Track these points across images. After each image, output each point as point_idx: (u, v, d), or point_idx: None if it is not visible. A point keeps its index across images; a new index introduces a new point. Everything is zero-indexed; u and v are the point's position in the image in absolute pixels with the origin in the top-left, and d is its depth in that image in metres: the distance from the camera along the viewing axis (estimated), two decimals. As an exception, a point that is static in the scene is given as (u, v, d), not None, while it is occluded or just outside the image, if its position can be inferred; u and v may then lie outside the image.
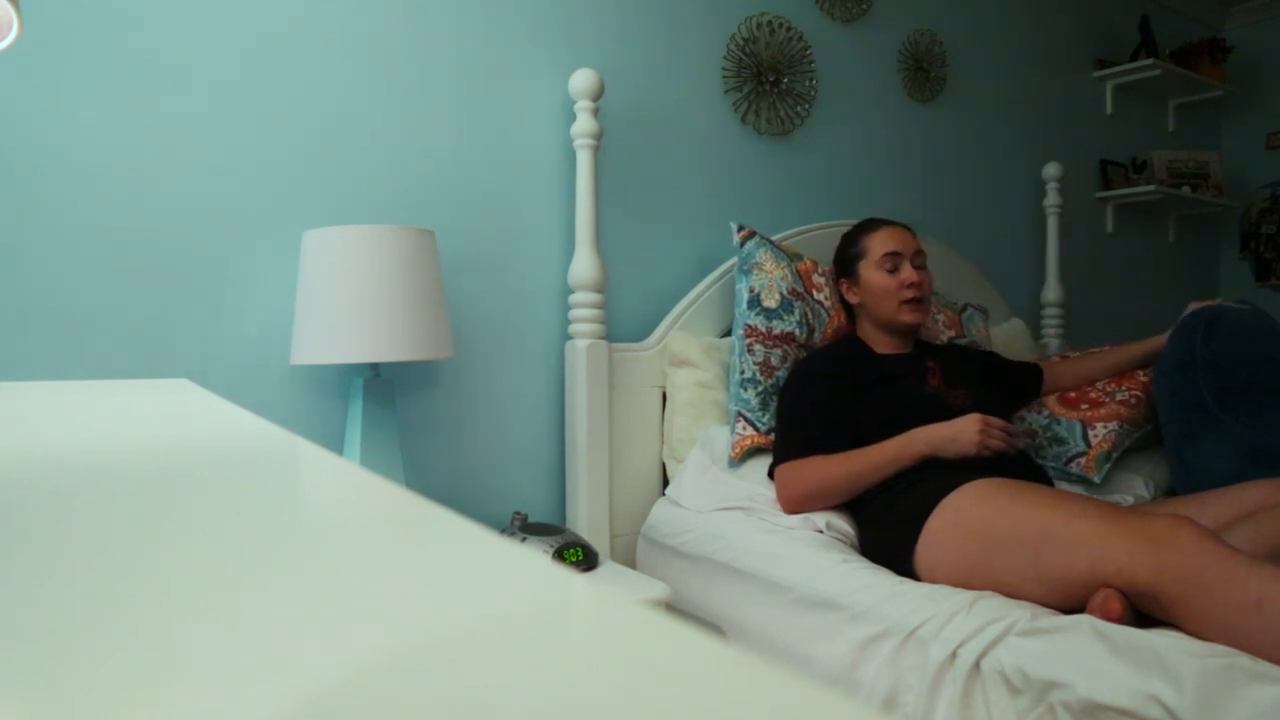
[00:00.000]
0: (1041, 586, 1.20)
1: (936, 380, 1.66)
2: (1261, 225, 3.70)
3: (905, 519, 1.39)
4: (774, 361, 1.75)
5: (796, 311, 1.80)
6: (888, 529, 1.43)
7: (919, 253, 1.75)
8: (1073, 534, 1.19)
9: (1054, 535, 1.21)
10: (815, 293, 1.86)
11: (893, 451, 1.47)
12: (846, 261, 1.81)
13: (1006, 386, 1.90)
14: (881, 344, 1.76)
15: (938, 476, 1.42)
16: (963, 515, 1.32)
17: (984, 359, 1.89)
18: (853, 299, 1.80)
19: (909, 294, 1.70)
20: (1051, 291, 2.71)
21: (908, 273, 1.71)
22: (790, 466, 1.54)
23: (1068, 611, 1.18)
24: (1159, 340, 1.95)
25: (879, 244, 1.74)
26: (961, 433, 1.45)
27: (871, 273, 1.74)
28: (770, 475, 1.62)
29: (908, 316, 1.70)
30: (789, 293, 1.80)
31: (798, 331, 1.79)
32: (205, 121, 1.42)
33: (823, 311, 1.85)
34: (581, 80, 1.68)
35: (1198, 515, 1.36)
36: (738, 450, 1.68)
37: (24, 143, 1.27)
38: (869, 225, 1.79)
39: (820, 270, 1.90)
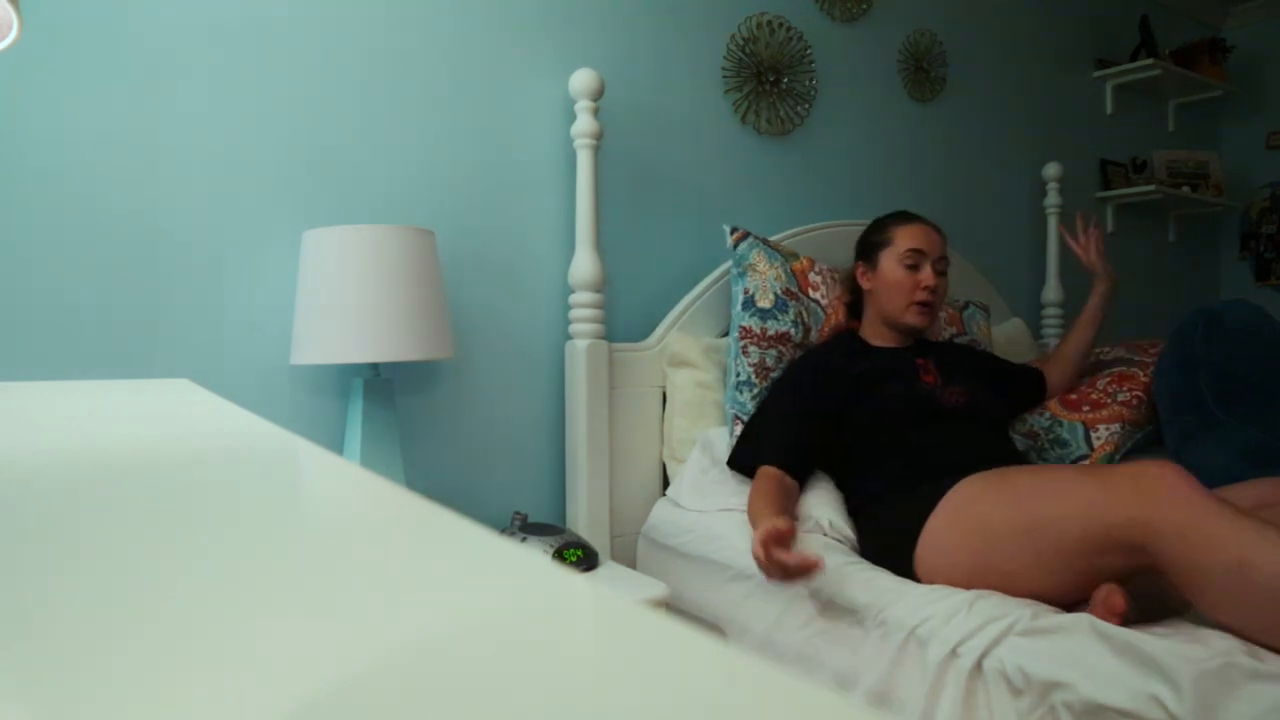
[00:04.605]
0: (1040, 570, 1.20)
1: (931, 377, 1.65)
2: (1261, 225, 3.70)
3: (905, 521, 1.39)
4: (769, 363, 1.75)
5: (791, 311, 1.80)
6: (887, 531, 1.43)
7: (943, 258, 1.72)
8: (1061, 507, 1.19)
9: (1044, 514, 1.21)
10: (811, 291, 1.86)
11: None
12: (870, 246, 1.78)
13: (1007, 389, 1.89)
14: (878, 336, 1.75)
15: (933, 479, 1.41)
16: (959, 514, 1.32)
17: (986, 359, 1.88)
18: (865, 284, 1.78)
19: (922, 296, 1.68)
20: (1051, 291, 2.71)
21: (926, 275, 1.68)
22: (757, 472, 1.54)
23: (1072, 603, 1.18)
24: (1102, 286, 2.01)
25: (906, 238, 1.71)
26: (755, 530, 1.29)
27: (891, 264, 1.71)
28: (729, 463, 1.64)
29: (913, 319, 1.69)
30: (783, 293, 1.80)
31: (793, 331, 1.79)
32: (205, 121, 1.42)
33: (818, 310, 1.85)
34: (582, 80, 1.68)
35: None
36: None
37: (24, 142, 1.27)
38: (902, 217, 1.76)
39: (816, 269, 1.90)
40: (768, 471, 1.52)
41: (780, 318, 1.78)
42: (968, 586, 1.25)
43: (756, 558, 1.24)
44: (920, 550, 1.34)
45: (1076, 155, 3.06)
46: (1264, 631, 1.00)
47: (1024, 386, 1.94)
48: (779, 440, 1.57)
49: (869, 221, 2.20)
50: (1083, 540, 1.15)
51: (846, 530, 1.51)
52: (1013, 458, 1.56)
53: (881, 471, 1.51)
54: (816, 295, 1.86)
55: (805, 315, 1.82)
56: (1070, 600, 1.21)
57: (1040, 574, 1.20)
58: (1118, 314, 3.23)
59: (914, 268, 1.69)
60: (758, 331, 1.76)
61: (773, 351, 1.76)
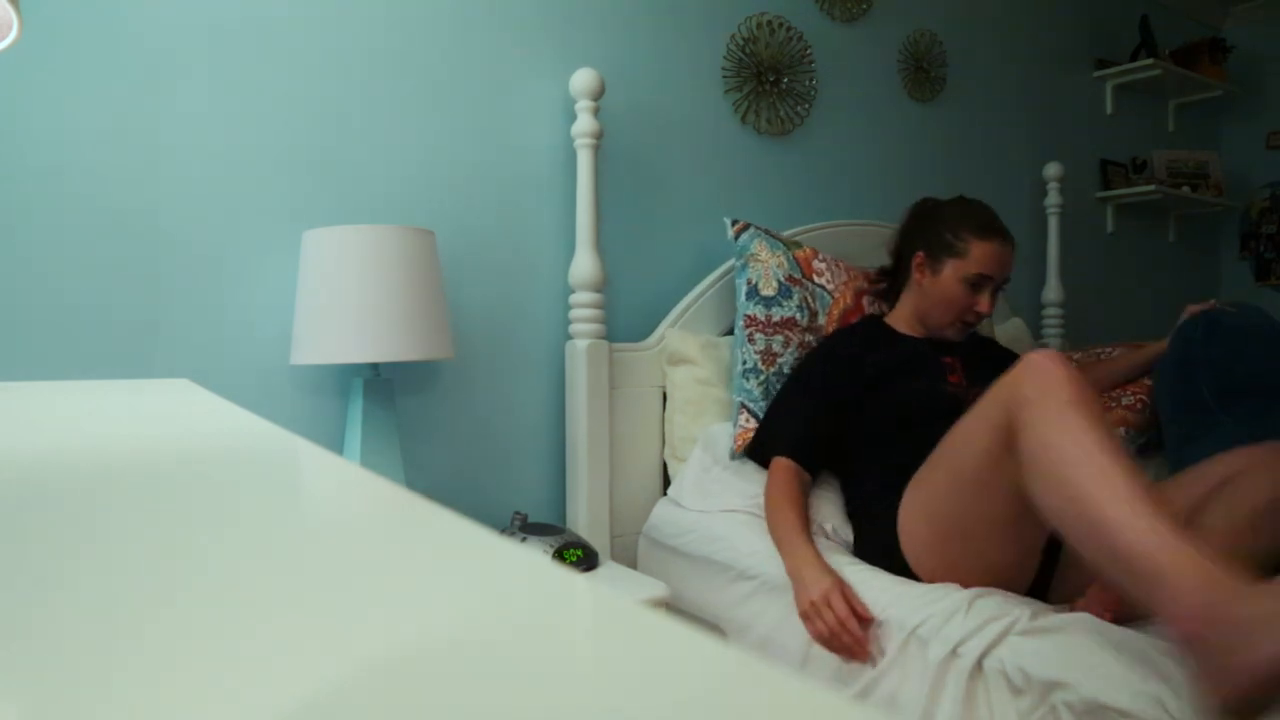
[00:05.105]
0: (985, 509, 1.22)
1: (956, 377, 1.63)
2: (1261, 225, 3.70)
3: (892, 522, 1.40)
4: (776, 348, 1.75)
5: (795, 297, 1.79)
6: (884, 531, 1.43)
7: (1005, 281, 1.67)
8: (965, 433, 1.24)
9: (957, 449, 1.25)
10: (815, 277, 1.86)
11: (785, 558, 1.38)
12: (939, 244, 1.66)
13: None
14: (906, 325, 1.73)
15: (905, 483, 1.41)
16: (917, 504, 1.35)
17: (1008, 358, 1.87)
18: (919, 277, 1.70)
19: (970, 319, 1.65)
20: (1051, 291, 2.71)
21: (984, 301, 1.63)
22: (771, 463, 1.56)
23: (1041, 547, 1.25)
24: (1160, 346, 1.93)
25: (981, 259, 1.61)
26: (803, 593, 1.31)
27: (954, 277, 1.63)
28: (746, 453, 1.66)
29: (952, 333, 1.68)
30: (786, 279, 1.80)
31: (798, 316, 1.79)
32: (205, 121, 1.42)
33: (824, 295, 1.85)
34: (582, 80, 1.68)
35: (1174, 497, 1.33)
36: (739, 442, 1.68)
37: (24, 142, 1.27)
38: (986, 229, 1.62)
39: (820, 257, 1.90)
40: (782, 464, 1.52)
41: (785, 303, 1.78)
42: (948, 567, 1.27)
43: (810, 610, 1.27)
44: (904, 549, 1.35)
45: (1076, 155, 3.06)
46: (1040, 504, 1.07)
47: None
48: (790, 431, 1.57)
49: (869, 221, 2.20)
50: (987, 451, 1.18)
51: (849, 535, 1.51)
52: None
53: (890, 465, 1.50)
54: (822, 281, 1.86)
55: (811, 300, 1.82)
56: (1039, 545, 1.26)
57: (987, 513, 1.22)
58: (1117, 314, 3.23)
59: (976, 288, 1.63)
60: (762, 319, 1.76)
61: (779, 338, 1.76)
